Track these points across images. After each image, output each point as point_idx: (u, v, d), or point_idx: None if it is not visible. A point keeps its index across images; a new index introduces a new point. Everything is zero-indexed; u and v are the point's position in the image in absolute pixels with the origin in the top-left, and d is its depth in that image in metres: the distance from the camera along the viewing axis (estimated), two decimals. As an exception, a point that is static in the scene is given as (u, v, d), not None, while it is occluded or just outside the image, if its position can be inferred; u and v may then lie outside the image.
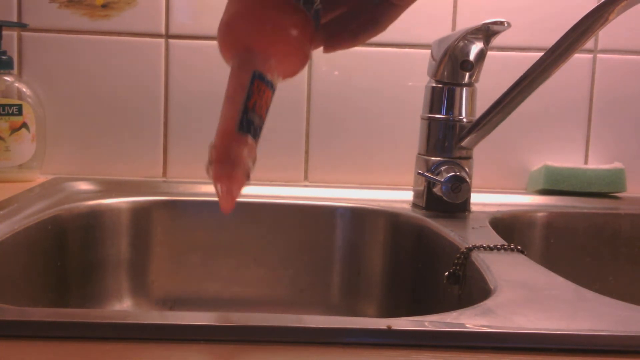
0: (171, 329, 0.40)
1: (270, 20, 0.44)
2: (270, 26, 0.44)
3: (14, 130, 0.87)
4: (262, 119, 0.45)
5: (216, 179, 0.42)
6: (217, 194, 0.43)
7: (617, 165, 0.92)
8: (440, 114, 0.77)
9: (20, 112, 0.87)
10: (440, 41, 0.77)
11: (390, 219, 0.78)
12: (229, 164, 0.42)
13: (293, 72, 0.47)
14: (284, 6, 0.44)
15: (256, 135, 0.44)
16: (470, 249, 0.60)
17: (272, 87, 0.45)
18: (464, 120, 0.77)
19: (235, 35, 0.45)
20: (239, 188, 0.43)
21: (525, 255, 0.60)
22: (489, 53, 0.76)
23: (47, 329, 0.40)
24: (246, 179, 0.43)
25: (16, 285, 0.62)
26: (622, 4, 0.62)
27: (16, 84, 0.88)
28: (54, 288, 0.70)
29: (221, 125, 0.44)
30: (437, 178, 0.75)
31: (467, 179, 0.74)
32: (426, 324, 0.41)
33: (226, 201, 0.43)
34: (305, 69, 0.93)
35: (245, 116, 0.43)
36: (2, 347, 0.38)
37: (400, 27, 0.93)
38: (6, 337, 0.39)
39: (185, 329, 0.40)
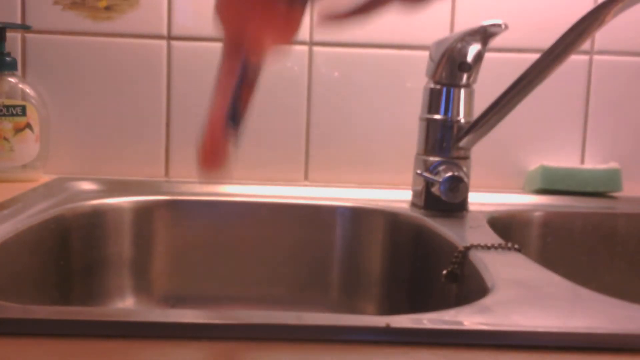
0: (173, 327, 0.40)
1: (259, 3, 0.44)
2: (258, 9, 0.44)
3: (18, 130, 0.87)
4: (247, 109, 0.47)
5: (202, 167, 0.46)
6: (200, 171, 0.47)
7: (613, 165, 0.92)
8: (438, 114, 0.77)
9: (24, 112, 0.87)
10: (439, 43, 0.77)
11: (389, 219, 0.78)
12: (215, 158, 0.45)
13: (286, 43, 0.47)
14: None
15: (240, 124, 0.47)
16: (468, 248, 0.60)
17: (259, 74, 0.46)
18: (462, 121, 0.77)
19: (226, 15, 0.46)
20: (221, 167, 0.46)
21: (523, 254, 0.60)
22: (487, 54, 0.76)
23: (50, 327, 0.40)
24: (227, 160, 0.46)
25: (20, 283, 0.62)
26: (619, 5, 0.62)
27: (20, 85, 0.88)
28: (57, 286, 0.70)
29: (210, 118, 0.47)
30: (436, 178, 0.75)
31: (465, 179, 0.74)
32: (424, 321, 0.41)
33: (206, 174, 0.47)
34: (305, 70, 0.93)
35: (233, 111, 0.46)
36: (6, 344, 0.38)
37: (399, 29, 0.93)
38: (10, 334, 0.39)
39: (187, 327, 0.40)
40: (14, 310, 0.42)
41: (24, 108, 0.87)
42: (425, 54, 0.80)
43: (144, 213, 0.79)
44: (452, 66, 0.76)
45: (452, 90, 0.77)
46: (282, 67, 0.93)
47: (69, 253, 0.72)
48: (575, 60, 0.94)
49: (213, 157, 0.46)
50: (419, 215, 0.76)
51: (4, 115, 0.86)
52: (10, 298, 0.47)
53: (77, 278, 0.73)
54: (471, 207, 0.79)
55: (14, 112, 0.86)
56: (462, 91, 0.77)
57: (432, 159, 0.77)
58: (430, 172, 0.77)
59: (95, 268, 0.75)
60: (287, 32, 0.46)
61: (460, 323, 0.42)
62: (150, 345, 0.39)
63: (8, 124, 0.86)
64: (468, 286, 0.59)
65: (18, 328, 0.40)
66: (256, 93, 0.48)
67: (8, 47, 0.88)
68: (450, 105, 0.77)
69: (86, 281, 0.74)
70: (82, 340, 0.39)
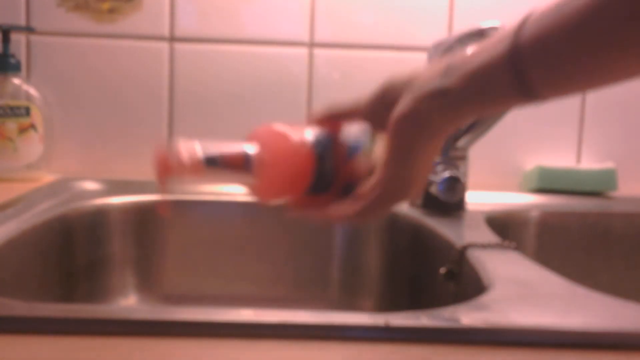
0: (176, 324, 0.40)
1: None
2: None
3: (22, 131, 0.87)
4: None
5: None
6: None
7: (608, 165, 0.92)
8: (436, 115, 0.77)
9: (28, 113, 0.87)
10: (437, 45, 0.77)
11: (388, 218, 0.78)
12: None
13: None
14: None
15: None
16: (465, 247, 0.60)
17: None
18: (460, 121, 0.77)
19: None
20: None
21: (520, 252, 0.60)
22: (484, 56, 0.76)
23: (55, 325, 0.40)
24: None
25: (25, 281, 0.63)
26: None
27: (24, 87, 0.88)
28: (61, 284, 0.70)
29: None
30: (433, 178, 0.75)
31: (462, 179, 0.74)
32: (423, 319, 0.42)
33: None
34: (305, 71, 0.93)
35: None
36: (12, 342, 0.38)
37: (398, 30, 0.93)
38: (15, 332, 0.39)
39: (190, 325, 0.40)
40: (19, 307, 0.42)
41: (27, 109, 0.87)
42: (424, 55, 0.80)
43: (146, 212, 0.79)
44: (450, 67, 0.76)
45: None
46: (283, 69, 0.93)
47: (73, 252, 0.72)
48: (572, 61, 0.93)
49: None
50: (417, 215, 0.76)
51: (8, 116, 0.86)
52: (14, 296, 0.47)
53: (80, 276, 0.73)
54: (469, 207, 0.79)
55: (18, 113, 0.86)
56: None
57: (430, 159, 0.77)
58: (429, 172, 0.77)
59: (98, 266, 0.75)
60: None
61: (458, 321, 0.42)
62: (154, 342, 0.39)
63: (12, 125, 0.86)
64: (466, 284, 0.59)
65: (23, 326, 0.40)
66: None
67: (12, 49, 0.88)
68: (449, 106, 0.77)
69: (90, 279, 0.74)
70: (86, 338, 0.39)
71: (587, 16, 0.34)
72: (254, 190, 0.49)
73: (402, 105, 0.43)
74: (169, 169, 0.46)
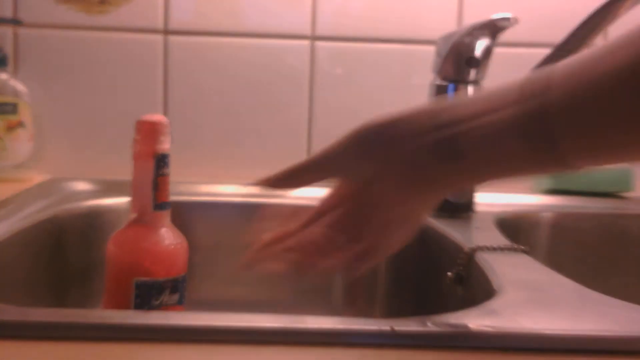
0: (171, 330, 0.41)
1: None
2: None
3: (11, 129, 0.87)
4: None
5: None
6: None
7: (623, 165, 0.92)
8: (444, 112, 0.78)
9: (15, 110, 0.87)
10: (446, 37, 0.78)
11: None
12: None
13: None
14: None
15: None
16: (474, 250, 0.61)
17: None
18: (469, 118, 0.77)
19: None
20: None
21: (531, 255, 0.60)
22: (496, 49, 0.76)
23: (47, 330, 0.40)
24: None
25: (16, 285, 0.63)
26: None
27: (11, 82, 0.88)
28: (53, 288, 0.71)
29: None
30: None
31: (472, 178, 0.75)
32: (429, 324, 0.42)
33: None
34: (307, 66, 0.93)
35: None
36: (2, 347, 0.39)
37: (405, 23, 0.94)
38: (6, 337, 0.40)
39: (185, 330, 0.41)
40: (10, 312, 0.42)
41: (15, 105, 0.87)
42: (432, 49, 0.81)
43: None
44: (459, 61, 0.76)
45: (459, 86, 0.77)
46: (283, 64, 0.93)
47: (65, 254, 0.73)
48: (587, 55, 0.94)
49: None
50: (424, 216, 0.76)
51: (-4, 112, 0.87)
52: (4, 300, 0.48)
53: (73, 280, 0.74)
54: (478, 208, 0.79)
55: (5, 110, 0.87)
56: (470, 88, 0.77)
57: (437, 157, 0.78)
58: (436, 171, 0.77)
59: (91, 269, 0.76)
60: None
61: (466, 326, 0.42)
62: (148, 348, 0.39)
63: (0, 122, 0.87)
64: (474, 288, 0.60)
65: (13, 331, 0.40)
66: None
67: (-1, 42, 0.88)
68: (457, 102, 0.77)
69: (82, 283, 0.75)
70: (78, 343, 0.39)
71: (625, 79, 0.31)
72: None
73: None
74: None
